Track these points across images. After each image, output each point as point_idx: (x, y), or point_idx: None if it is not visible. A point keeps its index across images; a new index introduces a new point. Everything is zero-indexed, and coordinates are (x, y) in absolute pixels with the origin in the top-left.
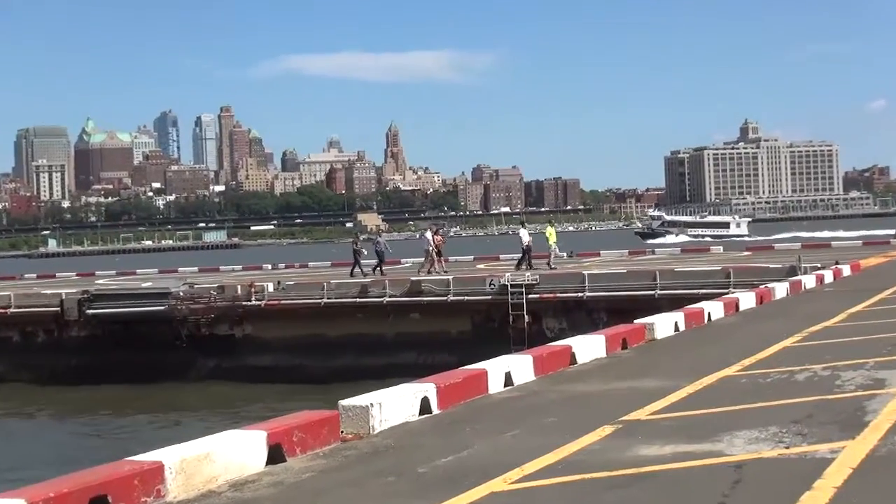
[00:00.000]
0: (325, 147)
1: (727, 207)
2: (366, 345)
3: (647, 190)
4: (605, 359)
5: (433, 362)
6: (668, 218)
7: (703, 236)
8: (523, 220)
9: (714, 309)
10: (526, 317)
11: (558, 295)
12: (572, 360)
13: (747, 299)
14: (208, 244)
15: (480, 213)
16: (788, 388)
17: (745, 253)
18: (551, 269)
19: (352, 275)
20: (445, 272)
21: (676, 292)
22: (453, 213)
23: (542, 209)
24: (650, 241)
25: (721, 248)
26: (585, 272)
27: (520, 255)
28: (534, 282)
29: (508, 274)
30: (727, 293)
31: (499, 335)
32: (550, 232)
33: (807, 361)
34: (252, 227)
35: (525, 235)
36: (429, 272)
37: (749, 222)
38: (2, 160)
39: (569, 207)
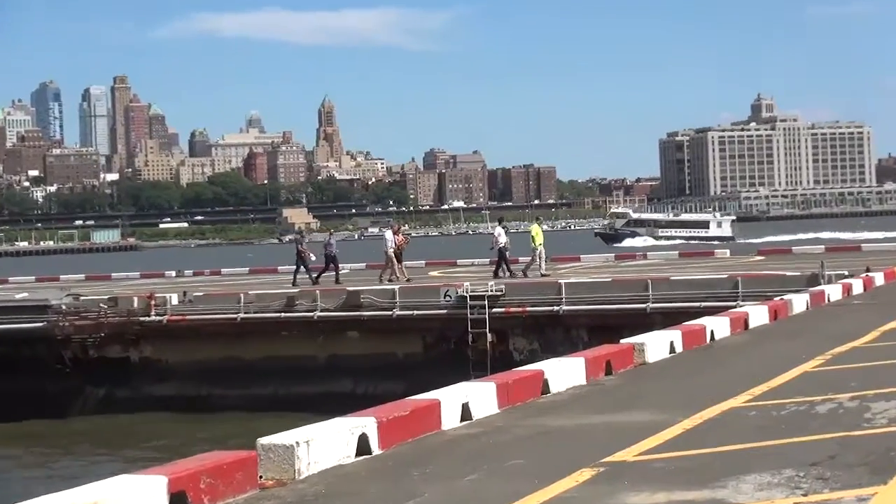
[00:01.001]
0: (243, 127)
1: (735, 202)
2: (291, 370)
3: (639, 180)
4: (585, 387)
5: (375, 392)
6: (635, 216)
7: (677, 238)
8: (501, 217)
9: (718, 326)
10: (489, 335)
11: (528, 309)
12: (545, 388)
13: (759, 314)
14: (98, 246)
15: (434, 207)
16: (807, 423)
17: (757, 257)
18: (524, 275)
19: (294, 283)
20: (409, 280)
21: (673, 305)
22: (395, 208)
23: (509, 203)
24: (615, 245)
25: (727, 251)
26: (562, 281)
27: (496, 259)
28: (499, 293)
29: (468, 283)
30: (734, 307)
31: (455, 358)
32: (537, 231)
33: (830, 390)
34: (153, 225)
35: (501, 235)
36: (390, 279)
37: (733, 221)
38: None
39: (542, 201)
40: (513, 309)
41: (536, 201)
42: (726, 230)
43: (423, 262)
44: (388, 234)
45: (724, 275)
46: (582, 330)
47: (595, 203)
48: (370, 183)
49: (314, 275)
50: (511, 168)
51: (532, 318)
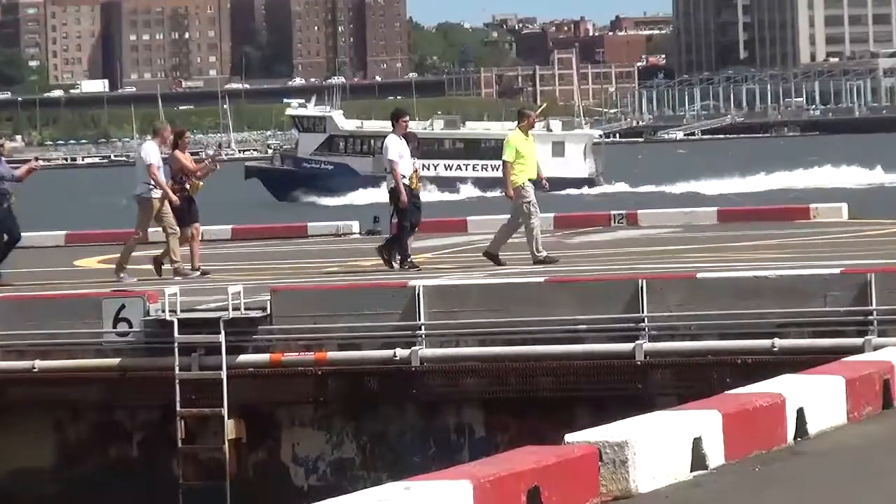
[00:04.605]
0: None
1: (860, 79)
2: None
3: (618, 26)
4: None
5: None
6: (348, 127)
7: (451, 182)
8: (400, 110)
9: (816, 398)
10: (229, 424)
11: (331, 355)
12: None
13: None
14: None
15: (97, 93)
16: None
17: None
18: (495, 260)
19: None
20: (203, 272)
21: (701, 346)
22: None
23: (288, 83)
24: (303, 200)
25: (844, 209)
26: (419, 282)
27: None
28: (260, 312)
29: (174, 289)
30: (859, 348)
31: (145, 480)
32: (525, 145)
33: None
34: None
35: (391, 147)
36: (159, 265)
37: (595, 143)
38: None
39: (370, 78)
40: (290, 355)
41: (350, 78)
42: (577, 165)
43: (63, 233)
44: (149, 147)
45: (832, 267)
46: (469, 409)
47: (507, 82)
48: None
49: None
50: None
51: (342, 378)
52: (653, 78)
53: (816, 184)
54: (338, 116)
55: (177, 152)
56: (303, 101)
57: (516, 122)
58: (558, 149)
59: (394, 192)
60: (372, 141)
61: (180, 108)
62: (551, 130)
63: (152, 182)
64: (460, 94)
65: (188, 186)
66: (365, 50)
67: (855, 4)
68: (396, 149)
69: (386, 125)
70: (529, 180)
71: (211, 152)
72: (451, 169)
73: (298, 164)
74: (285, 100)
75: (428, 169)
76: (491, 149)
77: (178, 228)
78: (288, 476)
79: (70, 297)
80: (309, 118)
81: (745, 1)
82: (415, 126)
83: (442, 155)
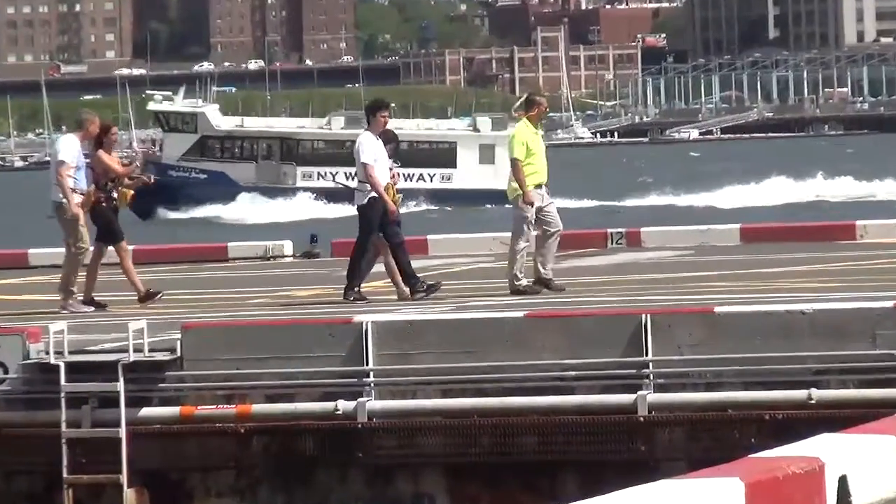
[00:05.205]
0: None
1: None
2: None
3: None
4: None
5: None
6: (225, 126)
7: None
8: (381, 101)
9: (861, 462)
10: (128, 496)
11: (256, 408)
12: None
13: None
14: None
15: None
16: None
17: None
18: (517, 286)
19: None
20: (98, 304)
21: (718, 398)
22: None
23: (195, 69)
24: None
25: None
26: (367, 319)
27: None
28: (167, 355)
29: (61, 324)
30: None
31: None
32: (524, 140)
33: None
34: None
35: (365, 148)
36: (65, 304)
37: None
38: None
39: (299, 64)
40: (205, 408)
41: (280, 62)
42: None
43: None
44: (66, 142)
45: (883, 300)
46: (430, 475)
47: (478, 67)
48: None
49: None
50: None
51: (270, 436)
52: (660, 63)
53: (863, 194)
54: (212, 113)
55: (101, 152)
56: (169, 93)
57: (524, 112)
58: (487, 154)
59: (366, 207)
60: (254, 143)
61: (84, 97)
62: (479, 131)
63: (66, 188)
64: (420, 81)
65: (115, 195)
66: (300, 27)
67: None
68: (372, 150)
69: (273, 123)
70: (536, 186)
71: (139, 150)
72: (354, 178)
73: (163, 173)
74: (148, 92)
75: (322, 178)
76: (405, 152)
77: (78, 251)
78: None
79: None
80: (175, 115)
81: None
82: (310, 124)
83: (343, 161)
